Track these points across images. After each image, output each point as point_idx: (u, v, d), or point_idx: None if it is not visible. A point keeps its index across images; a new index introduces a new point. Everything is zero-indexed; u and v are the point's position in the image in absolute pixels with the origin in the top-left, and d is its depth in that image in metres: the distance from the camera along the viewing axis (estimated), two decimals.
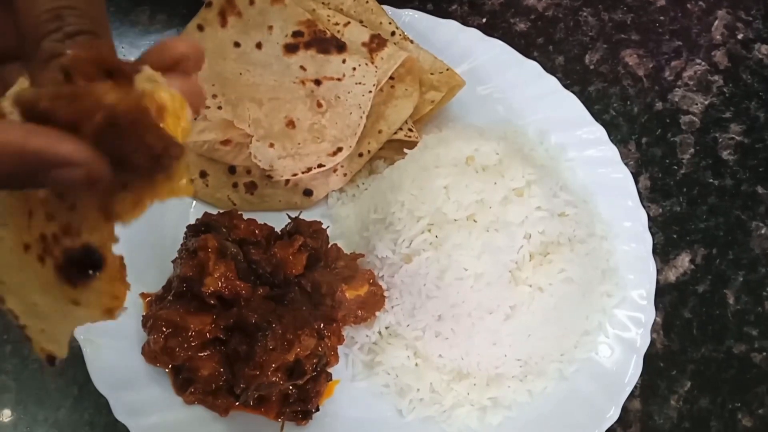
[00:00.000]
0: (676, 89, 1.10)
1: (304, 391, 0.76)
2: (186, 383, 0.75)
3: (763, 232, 0.98)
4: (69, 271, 0.39)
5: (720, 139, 1.06)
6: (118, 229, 0.40)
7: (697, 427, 0.85)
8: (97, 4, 0.40)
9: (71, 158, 0.35)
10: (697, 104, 1.09)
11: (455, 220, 0.78)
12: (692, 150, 1.04)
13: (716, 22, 1.17)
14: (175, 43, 0.41)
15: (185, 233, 0.79)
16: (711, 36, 1.15)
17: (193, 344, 0.72)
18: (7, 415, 0.80)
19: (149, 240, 0.85)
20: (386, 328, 0.82)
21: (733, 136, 1.06)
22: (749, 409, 0.86)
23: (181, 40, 0.42)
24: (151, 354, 0.75)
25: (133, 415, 0.73)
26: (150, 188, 0.38)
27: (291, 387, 0.75)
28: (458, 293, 0.77)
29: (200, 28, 0.92)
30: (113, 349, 0.77)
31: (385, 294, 0.81)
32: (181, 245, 0.79)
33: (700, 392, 0.87)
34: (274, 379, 0.72)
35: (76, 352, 0.81)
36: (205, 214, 0.80)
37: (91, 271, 0.39)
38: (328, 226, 0.86)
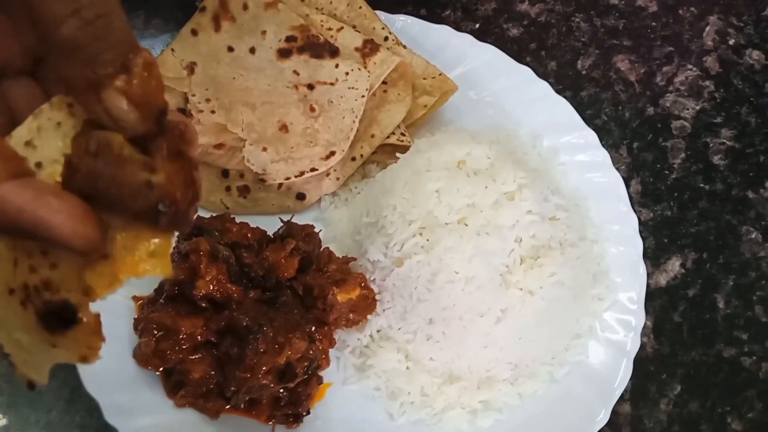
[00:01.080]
0: (668, 94, 1.11)
1: (295, 394, 0.76)
2: (177, 386, 0.75)
3: (753, 236, 0.99)
4: (47, 320, 0.41)
5: (711, 144, 1.06)
6: None
7: (687, 431, 0.85)
8: None
9: (64, 240, 0.37)
10: (688, 109, 1.09)
11: (447, 223, 0.79)
12: (683, 155, 1.05)
13: (707, 28, 1.18)
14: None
15: (177, 236, 0.79)
16: (702, 42, 1.16)
17: (184, 347, 0.73)
18: None
19: None
20: (377, 331, 0.83)
21: (724, 141, 1.07)
22: (739, 413, 0.86)
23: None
24: (142, 357, 0.75)
25: (124, 418, 0.73)
26: (131, 264, 0.40)
27: (282, 390, 0.75)
28: (449, 296, 0.78)
29: (194, 32, 0.92)
30: (104, 351, 0.76)
31: (377, 297, 0.82)
32: (173, 248, 0.79)
33: (690, 396, 0.87)
34: (264, 381, 0.72)
35: None
36: (198, 217, 0.81)
37: (67, 324, 0.40)
38: (320, 230, 0.86)
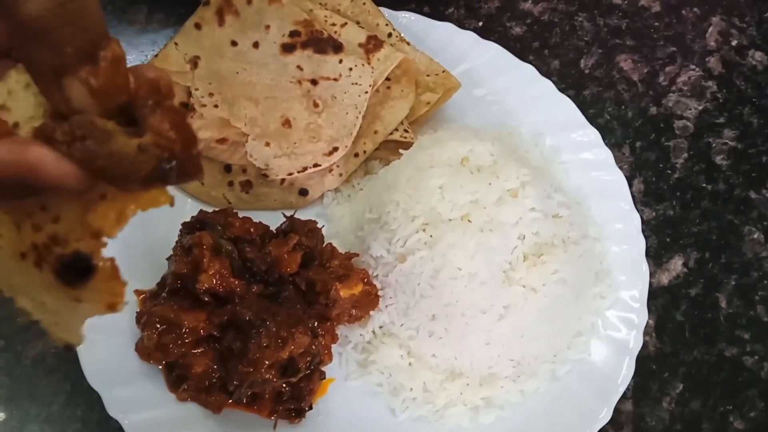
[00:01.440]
0: (671, 94, 1.11)
1: (298, 389, 0.76)
2: (179, 380, 0.75)
3: (755, 236, 0.99)
4: (65, 274, 0.41)
5: (713, 144, 1.06)
6: None
7: (689, 429, 0.85)
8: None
9: (55, 178, 0.38)
10: (690, 109, 1.09)
11: (450, 219, 0.79)
12: (686, 154, 1.05)
13: (710, 29, 1.18)
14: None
15: (180, 231, 0.79)
16: (705, 42, 1.16)
17: (186, 341, 0.72)
18: None
19: (144, 238, 0.84)
20: (380, 327, 0.82)
21: (727, 141, 1.07)
22: (740, 412, 0.86)
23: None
24: (144, 350, 0.75)
25: (126, 411, 0.73)
26: (131, 198, 0.41)
27: (284, 385, 0.75)
28: (452, 293, 0.78)
29: (197, 26, 0.92)
30: (106, 345, 0.77)
31: (379, 293, 0.82)
32: (176, 242, 0.79)
33: (692, 395, 0.87)
34: (267, 376, 0.72)
35: (69, 349, 0.81)
36: (201, 211, 0.81)
37: (85, 275, 0.40)
38: (323, 226, 0.86)
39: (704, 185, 1.03)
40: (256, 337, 0.71)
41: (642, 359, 0.85)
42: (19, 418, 0.79)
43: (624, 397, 0.84)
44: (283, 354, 0.72)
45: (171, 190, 0.42)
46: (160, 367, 0.77)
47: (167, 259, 0.81)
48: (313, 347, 0.76)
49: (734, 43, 1.16)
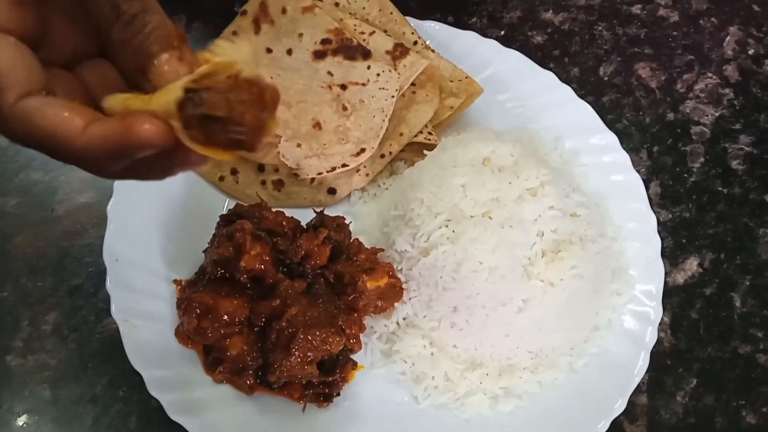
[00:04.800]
0: (688, 101, 1.14)
1: (332, 377, 0.80)
2: (215, 363, 0.79)
3: None
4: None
5: (729, 150, 1.09)
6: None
7: (702, 423, 0.88)
8: None
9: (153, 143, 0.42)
10: (707, 116, 1.12)
11: (471, 216, 0.83)
12: (702, 159, 1.08)
13: (728, 38, 1.21)
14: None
15: (218, 223, 0.84)
16: (722, 51, 1.20)
17: (223, 325, 0.77)
18: (47, 391, 0.85)
19: (182, 231, 0.90)
20: (404, 318, 0.86)
21: (743, 146, 1.10)
22: (753, 407, 0.89)
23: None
24: (183, 335, 0.80)
25: (166, 391, 0.77)
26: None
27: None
28: (473, 286, 0.82)
29: (235, 34, 0.98)
30: (148, 330, 0.82)
31: (404, 286, 0.86)
32: (213, 235, 0.84)
33: (706, 390, 0.90)
34: (309, 371, 0.76)
35: (112, 334, 0.86)
36: (237, 204, 0.86)
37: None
38: (350, 222, 0.90)
39: (720, 189, 1.05)
40: (300, 338, 0.75)
41: (657, 355, 0.88)
42: (66, 398, 0.84)
43: (639, 390, 0.87)
44: (323, 354, 0.76)
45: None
46: (197, 351, 0.82)
47: (204, 251, 0.86)
48: (349, 342, 0.80)
49: (751, 51, 1.19)
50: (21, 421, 0.83)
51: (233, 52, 0.44)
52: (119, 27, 0.44)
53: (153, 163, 0.44)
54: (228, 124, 0.42)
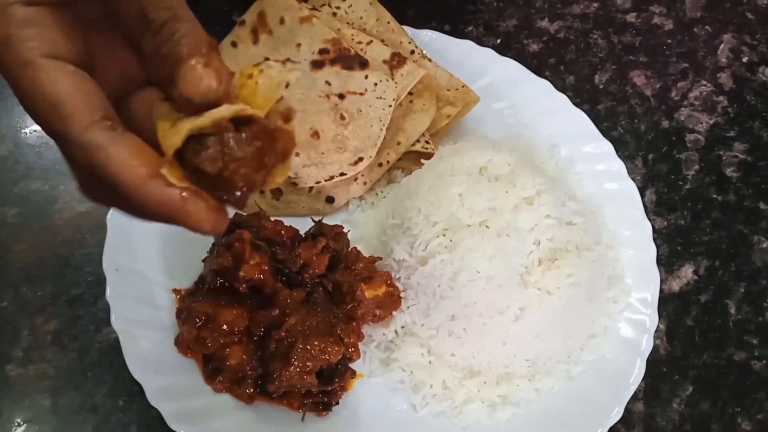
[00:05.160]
0: (682, 109, 1.15)
1: (331, 386, 0.80)
2: (215, 372, 0.80)
3: (764, 246, 1.02)
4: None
5: (724, 157, 1.10)
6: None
7: (698, 430, 0.88)
8: None
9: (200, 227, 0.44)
10: (702, 123, 1.13)
11: (469, 225, 0.84)
12: (697, 166, 1.09)
13: (722, 46, 1.22)
14: None
15: None
16: (717, 59, 1.21)
17: (223, 335, 0.78)
18: (47, 400, 0.85)
19: (181, 240, 0.90)
20: (402, 327, 0.87)
21: (737, 154, 1.11)
22: (748, 414, 0.89)
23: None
24: (183, 344, 0.80)
25: (165, 400, 0.78)
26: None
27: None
28: (471, 294, 0.82)
29: (234, 44, 0.99)
30: (148, 339, 0.82)
31: (402, 294, 0.86)
32: (213, 244, 0.84)
33: (702, 396, 0.90)
34: (309, 381, 0.77)
35: (111, 343, 0.87)
36: (236, 214, 0.86)
37: None
38: (348, 231, 0.91)
39: (715, 196, 1.06)
40: (300, 347, 0.76)
41: (653, 362, 0.88)
42: (66, 407, 0.85)
43: (635, 397, 0.88)
44: (322, 363, 0.77)
45: None
46: (197, 360, 0.82)
47: (203, 260, 0.86)
48: (346, 352, 0.81)
49: (745, 59, 1.20)
50: (21, 430, 0.83)
51: (280, 75, 0.45)
52: (149, 36, 0.43)
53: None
54: (218, 180, 0.43)
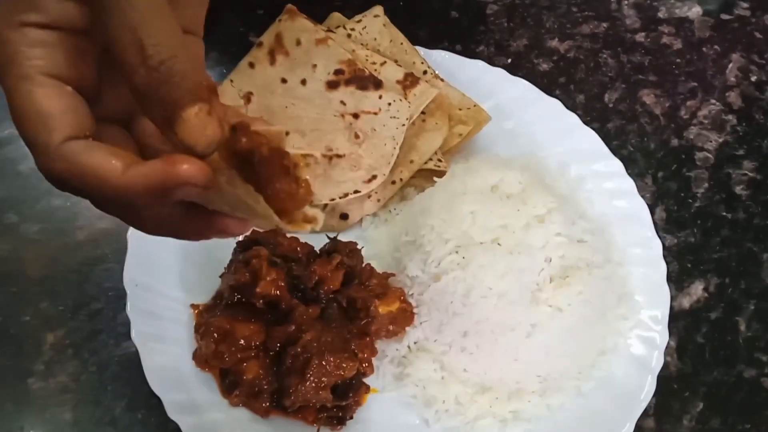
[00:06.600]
0: (692, 127, 1.16)
1: (346, 401, 0.82)
2: (231, 386, 0.81)
3: None
4: None
5: (733, 175, 1.11)
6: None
7: None
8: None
9: (192, 178, 0.42)
10: (711, 141, 1.15)
11: (481, 243, 0.85)
12: (706, 184, 1.10)
13: (730, 65, 1.24)
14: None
15: (235, 249, 0.87)
16: (725, 78, 1.22)
17: (240, 350, 0.79)
18: (67, 413, 0.87)
19: (200, 257, 0.93)
20: (415, 342, 0.88)
21: (746, 172, 1.12)
22: (758, 431, 0.90)
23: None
24: (201, 358, 0.82)
25: (183, 414, 0.80)
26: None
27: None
28: (483, 311, 0.84)
29: (251, 65, 1.01)
30: (166, 354, 0.84)
31: (415, 311, 0.88)
32: (230, 261, 0.87)
33: (712, 413, 0.91)
34: (324, 397, 0.78)
35: (131, 357, 0.89)
36: (253, 231, 0.88)
37: None
38: (362, 247, 0.93)
39: (724, 214, 1.07)
40: (315, 365, 0.77)
41: (663, 379, 0.89)
42: (86, 420, 0.86)
43: (646, 414, 0.88)
44: (337, 379, 0.78)
45: None
46: (214, 375, 0.84)
47: (220, 276, 0.88)
48: (360, 367, 0.82)
49: (753, 78, 1.22)
50: None
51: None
52: (144, 73, 0.41)
53: (189, 221, 0.45)
54: (262, 181, 0.42)
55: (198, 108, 0.41)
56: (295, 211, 0.45)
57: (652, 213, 1.01)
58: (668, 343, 0.90)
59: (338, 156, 0.98)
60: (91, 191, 0.44)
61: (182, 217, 0.46)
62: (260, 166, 0.42)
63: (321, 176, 0.97)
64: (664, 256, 0.96)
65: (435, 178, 0.98)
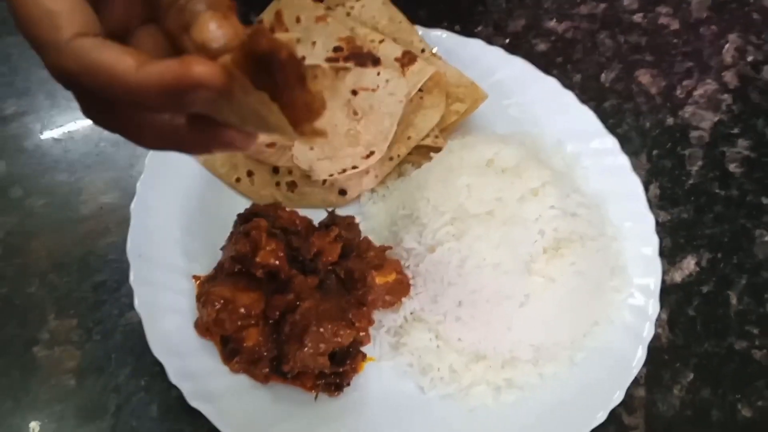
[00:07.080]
0: (687, 106, 1.17)
1: (344, 368, 0.84)
2: (232, 354, 0.84)
3: (766, 239, 1.05)
4: None
5: (727, 153, 1.13)
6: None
7: (699, 415, 0.91)
8: None
9: (205, 81, 0.41)
10: (706, 120, 1.16)
11: (476, 215, 0.87)
12: (700, 162, 1.12)
13: (727, 45, 1.25)
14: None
15: (235, 221, 0.89)
16: (722, 58, 1.23)
17: (240, 317, 0.82)
18: (72, 380, 0.89)
19: (201, 229, 0.95)
20: (411, 312, 0.90)
21: (741, 150, 1.13)
22: (748, 401, 0.92)
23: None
24: (202, 326, 0.84)
25: (185, 380, 0.82)
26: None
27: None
28: (477, 281, 0.85)
29: None
30: (169, 322, 0.86)
31: (411, 282, 0.90)
32: (231, 232, 0.88)
33: (702, 384, 0.93)
34: (322, 363, 0.80)
35: (134, 327, 0.91)
36: (253, 204, 0.90)
37: None
38: (360, 221, 0.95)
39: (718, 191, 1.09)
40: (314, 330, 0.80)
41: (655, 350, 0.91)
42: (90, 387, 0.89)
43: (637, 383, 0.90)
44: (334, 346, 0.81)
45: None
46: (215, 343, 0.86)
47: (221, 248, 0.90)
48: (357, 336, 0.84)
49: (750, 58, 1.23)
50: (48, 409, 0.87)
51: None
52: None
53: (193, 133, 0.45)
54: (277, 89, 0.41)
55: (212, 13, 0.42)
56: (306, 123, 0.43)
57: (647, 190, 1.02)
58: (660, 315, 0.92)
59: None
60: (103, 88, 0.43)
61: (186, 128, 0.46)
62: (279, 71, 0.41)
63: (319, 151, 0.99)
64: (658, 232, 0.98)
65: (432, 154, 0.99)
